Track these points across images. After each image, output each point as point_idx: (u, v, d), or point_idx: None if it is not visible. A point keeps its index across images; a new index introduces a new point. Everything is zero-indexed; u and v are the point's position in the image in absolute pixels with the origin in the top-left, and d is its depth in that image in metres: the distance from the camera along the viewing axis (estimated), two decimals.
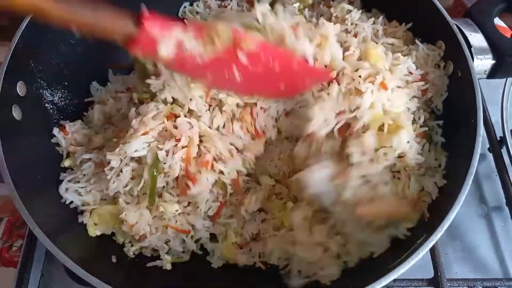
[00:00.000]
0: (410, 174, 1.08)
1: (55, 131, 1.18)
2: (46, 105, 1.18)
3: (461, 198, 0.91)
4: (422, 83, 1.14)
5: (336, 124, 1.06)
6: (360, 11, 1.29)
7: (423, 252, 0.87)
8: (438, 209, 0.97)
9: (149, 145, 1.06)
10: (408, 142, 1.05)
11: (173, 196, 1.09)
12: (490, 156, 1.39)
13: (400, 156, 1.06)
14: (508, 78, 1.42)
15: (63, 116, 1.22)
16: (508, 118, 1.36)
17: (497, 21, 1.51)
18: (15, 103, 1.05)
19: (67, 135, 1.18)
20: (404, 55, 1.16)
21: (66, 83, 1.24)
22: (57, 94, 1.22)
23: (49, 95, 1.19)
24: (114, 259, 1.08)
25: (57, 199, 1.09)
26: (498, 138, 1.38)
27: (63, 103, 1.23)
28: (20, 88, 1.08)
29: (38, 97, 1.15)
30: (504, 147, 1.33)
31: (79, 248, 1.01)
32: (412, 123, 1.10)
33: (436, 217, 0.92)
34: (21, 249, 1.22)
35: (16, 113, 1.05)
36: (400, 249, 0.95)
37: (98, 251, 1.09)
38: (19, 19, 1.11)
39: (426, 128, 1.12)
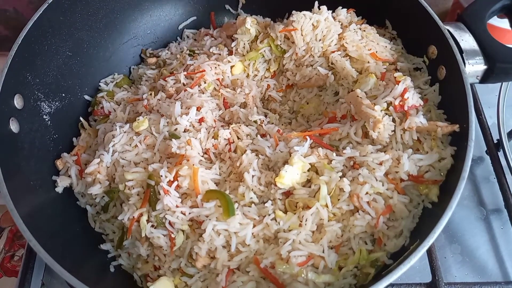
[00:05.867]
0: None
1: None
2: (44, 117, 1.19)
3: (453, 203, 0.90)
4: None
5: None
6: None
7: (416, 258, 0.86)
8: (430, 215, 0.96)
9: None
10: None
11: None
12: (488, 158, 1.39)
13: None
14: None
15: (60, 128, 1.22)
16: (504, 121, 1.35)
17: (495, 22, 1.51)
18: (13, 116, 1.06)
19: None
20: None
21: (63, 95, 1.26)
22: (55, 106, 1.22)
23: (46, 107, 1.20)
24: (112, 269, 1.09)
25: (54, 209, 1.10)
26: (495, 141, 1.37)
27: (60, 114, 1.23)
28: (17, 101, 1.09)
29: (36, 109, 1.16)
30: (501, 150, 1.32)
31: (76, 258, 1.01)
32: None
33: (429, 223, 0.91)
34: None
35: (14, 126, 1.06)
36: (393, 255, 0.95)
37: (96, 262, 1.10)
38: (21, 29, 1.12)
39: None
